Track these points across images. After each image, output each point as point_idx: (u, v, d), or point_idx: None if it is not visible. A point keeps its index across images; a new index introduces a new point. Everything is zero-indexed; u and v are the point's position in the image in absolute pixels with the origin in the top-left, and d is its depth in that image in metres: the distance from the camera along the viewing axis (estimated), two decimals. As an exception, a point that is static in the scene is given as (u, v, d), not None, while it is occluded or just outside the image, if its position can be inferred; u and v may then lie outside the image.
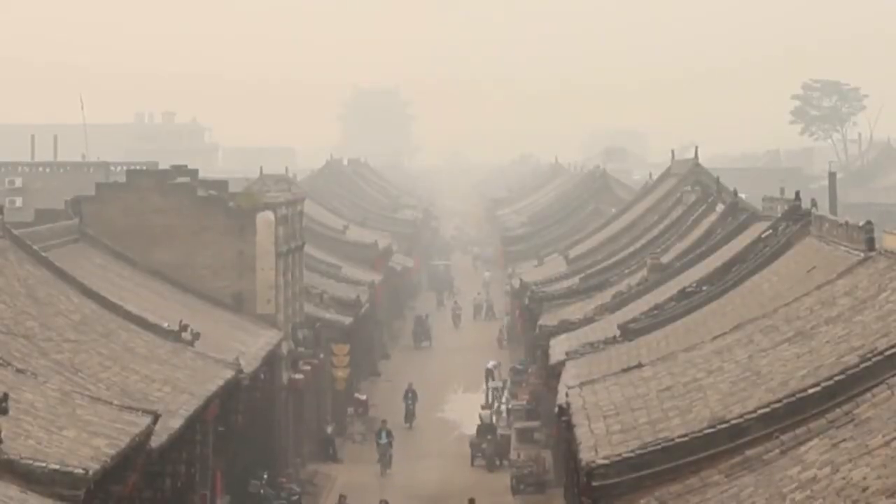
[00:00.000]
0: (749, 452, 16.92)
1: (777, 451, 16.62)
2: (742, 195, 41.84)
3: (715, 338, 23.49)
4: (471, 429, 46.48)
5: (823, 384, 17.54)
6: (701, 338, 24.57)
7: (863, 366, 17.43)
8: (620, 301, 35.99)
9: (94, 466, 18.81)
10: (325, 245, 59.73)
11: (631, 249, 45.98)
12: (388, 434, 43.42)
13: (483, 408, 47.28)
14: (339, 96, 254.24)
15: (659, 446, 17.87)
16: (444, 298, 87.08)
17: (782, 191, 39.71)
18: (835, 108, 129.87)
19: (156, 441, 22.56)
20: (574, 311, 38.80)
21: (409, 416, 50.01)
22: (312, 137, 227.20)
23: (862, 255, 23.51)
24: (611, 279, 41.73)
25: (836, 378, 17.50)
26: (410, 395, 50.43)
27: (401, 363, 64.25)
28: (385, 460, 42.78)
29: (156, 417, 22.44)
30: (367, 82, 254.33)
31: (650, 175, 69.52)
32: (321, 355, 44.58)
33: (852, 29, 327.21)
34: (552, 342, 34.49)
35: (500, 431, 44.95)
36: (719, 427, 17.75)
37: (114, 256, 37.40)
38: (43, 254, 30.92)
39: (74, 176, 61.66)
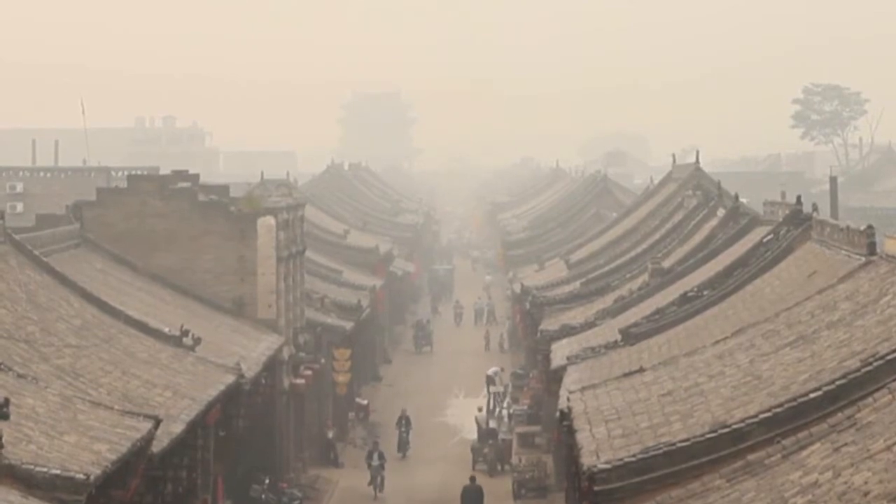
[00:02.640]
0: (751, 457, 16.92)
1: (779, 455, 16.63)
2: (743, 199, 41.70)
3: (716, 342, 23.49)
4: (472, 433, 46.43)
5: (825, 388, 17.54)
6: (702, 342, 24.58)
7: (864, 370, 17.43)
8: (622, 305, 35.97)
9: (96, 471, 18.81)
10: (326, 250, 59.74)
11: (632, 254, 45.94)
12: (381, 456, 41.30)
13: (479, 410, 47.19)
14: (340, 99, 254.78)
15: (660, 451, 17.86)
16: (438, 306, 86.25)
17: (783, 195, 39.58)
18: (836, 113, 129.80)
19: (157, 446, 22.56)
20: (575, 315, 38.78)
21: (403, 444, 46.20)
22: (313, 141, 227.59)
23: (863, 259, 23.51)
24: (612, 283, 41.68)
25: (838, 382, 17.50)
26: (404, 422, 46.57)
27: (402, 368, 64.31)
28: (377, 483, 40.88)
29: (157, 422, 22.44)
30: (367, 85, 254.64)
31: (651, 179, 69.40)
32: (322, 360, 44.55)
33: (853, 32, 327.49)
34: (553, 347, 34.48)
35: (501, 436, 44.85)
36: (721, 431, 17.74)
37: (115, 261, 37.40)
38: (44, 259, 30.95)
39: (75, 181, 61.80)
